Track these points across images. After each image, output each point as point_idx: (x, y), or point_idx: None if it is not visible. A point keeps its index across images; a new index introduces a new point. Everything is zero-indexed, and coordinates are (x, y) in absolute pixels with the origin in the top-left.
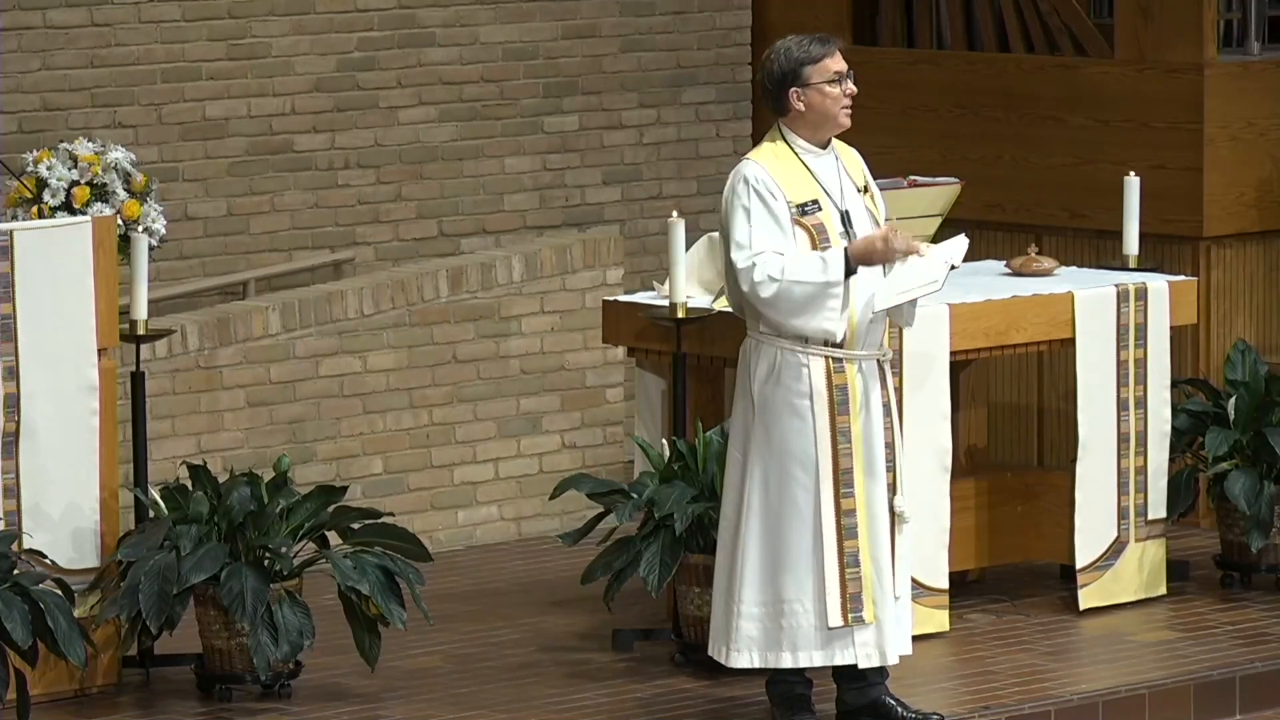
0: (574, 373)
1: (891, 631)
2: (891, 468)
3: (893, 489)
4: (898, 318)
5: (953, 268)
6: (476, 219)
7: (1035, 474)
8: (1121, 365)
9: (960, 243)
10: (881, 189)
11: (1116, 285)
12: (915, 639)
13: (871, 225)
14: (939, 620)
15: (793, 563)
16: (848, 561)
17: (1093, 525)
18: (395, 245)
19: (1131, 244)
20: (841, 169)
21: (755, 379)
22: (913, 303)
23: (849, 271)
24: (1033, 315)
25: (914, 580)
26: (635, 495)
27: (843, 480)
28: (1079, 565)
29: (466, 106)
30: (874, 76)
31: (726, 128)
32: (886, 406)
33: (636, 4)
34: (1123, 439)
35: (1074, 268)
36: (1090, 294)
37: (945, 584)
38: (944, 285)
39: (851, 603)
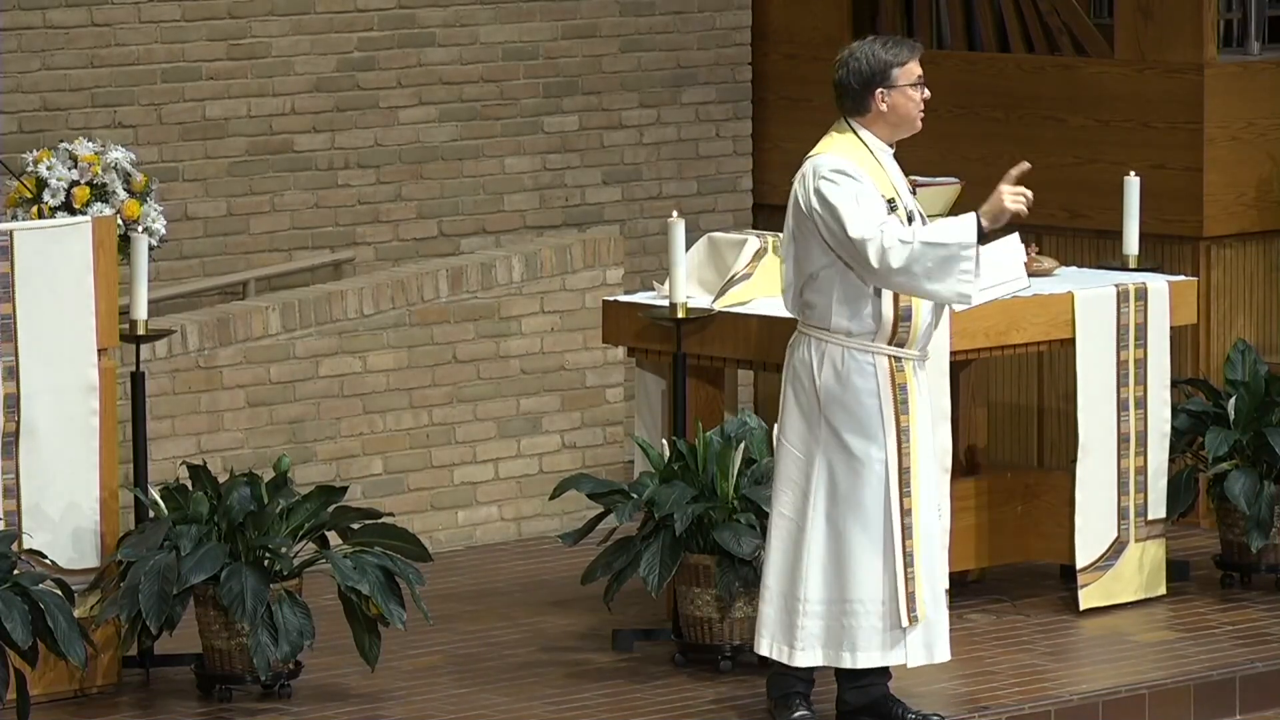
0: (574, 373)
1: (938, 630)
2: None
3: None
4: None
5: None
6: (476, 219)
7: (1035, 474)
8: (1121, 365)
9: (1015, 241)
10: None
11: (1116, 285)
12: None
13: (921, 224)
14: None
15: (858, 562)
16: (907, 561)
17: (1093, 525)
18: (395, 245)
19: (1131, 244)
20: (900, 170)
21: (820, 378)
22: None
23: (981, 234)
24: (1033, 315)
25: None
26: (635, 495)
27: (905, 479)
28: (1079, 565)
29: (466, 106)
30: None
31: (726, 128)
32: (938, 409)
33: (636, 4)
34: (1123, 439)
35: (1074, 268)
36: (1090, 294)
37: (945, 584)
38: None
39: (910, 602)
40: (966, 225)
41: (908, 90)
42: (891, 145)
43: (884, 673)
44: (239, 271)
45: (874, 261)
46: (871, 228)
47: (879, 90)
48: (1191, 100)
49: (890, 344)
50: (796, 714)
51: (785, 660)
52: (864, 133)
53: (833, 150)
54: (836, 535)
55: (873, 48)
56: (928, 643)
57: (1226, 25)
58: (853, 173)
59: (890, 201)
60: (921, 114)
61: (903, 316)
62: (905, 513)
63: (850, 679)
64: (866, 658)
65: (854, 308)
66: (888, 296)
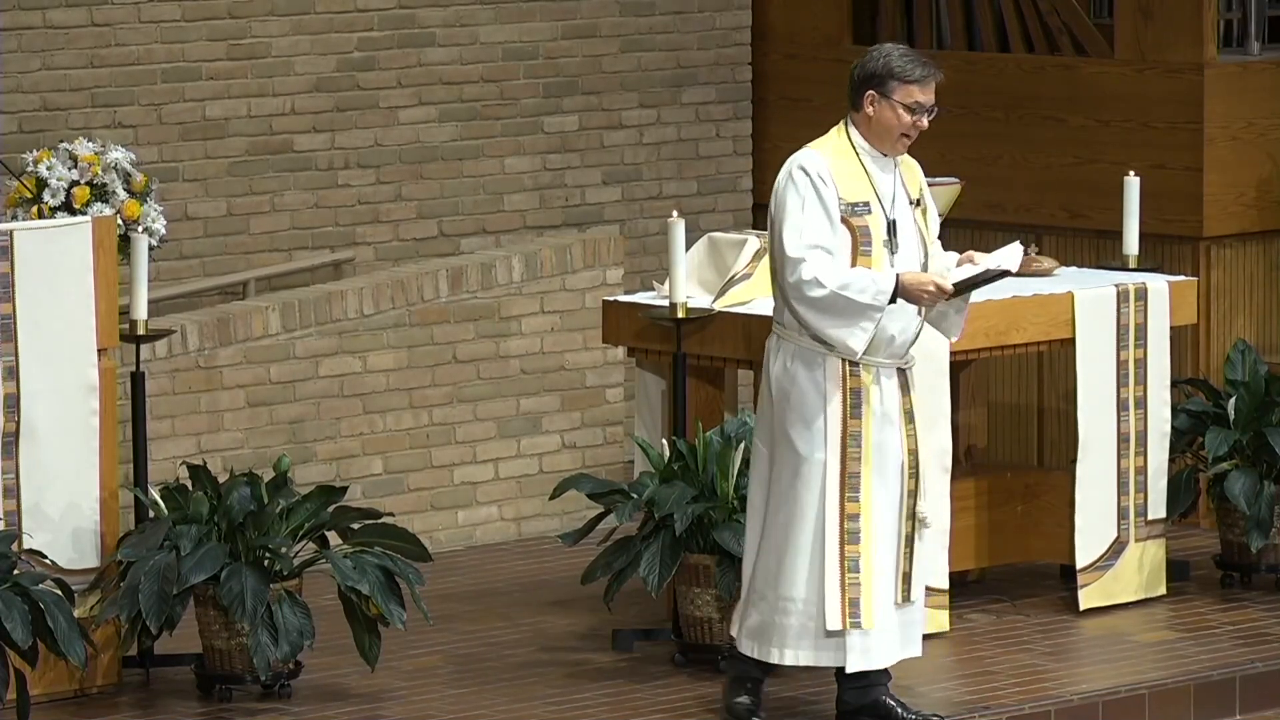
0: (574, 373)
1: (888, 638)
2: (914, 475)
3: (914, 495)
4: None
5: (1005, 272)
6: (476, 219)
7: (1035, 474)
8: (1121, 365)
9: (1015, 250)
10: None
11: (1116, 285)
12: None
13: (917, 240)
14: (939, 620)
15: (794, 561)
16: (849, 566)
17: (1093, 525)
18: (395, 245)
19: (1131, 244)
20: (899, 178)
21: (773, 373)
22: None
23: (892, 300)
24: (1033, 315)
25: None
26: (635, 495)
27: (849, 484)
28: (1079, 565)
29: (466, 106)
30: None
31: (726, 128)
32: (909, 414)
33: (636, 4)
34: (1123, 439)
35: (1074, 268)
36: (1090, 294)
37: (945, 584)
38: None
39: (851, 608)
40: (884, 289)
41: (898, 107)
42: (887, 153)
43: (883, 673)
44: (239, 271)
45: (789, 282)
46: (803, 249)
47: (871, 92)
48: (1191, 100)
49: None
50: (736, 699)
51: (736, 643)
52: (854, 133)
53: (818, 146)
54: (781, 532)
55: (892, 53)
56: (871, 649)
57: (1226, 25)
58: (818, 173)
59: (854, 205)
60: (906, 139)
61: None
62: (850, 517)
63: (849, 679)
64: (793, 655)
65: None
66: None
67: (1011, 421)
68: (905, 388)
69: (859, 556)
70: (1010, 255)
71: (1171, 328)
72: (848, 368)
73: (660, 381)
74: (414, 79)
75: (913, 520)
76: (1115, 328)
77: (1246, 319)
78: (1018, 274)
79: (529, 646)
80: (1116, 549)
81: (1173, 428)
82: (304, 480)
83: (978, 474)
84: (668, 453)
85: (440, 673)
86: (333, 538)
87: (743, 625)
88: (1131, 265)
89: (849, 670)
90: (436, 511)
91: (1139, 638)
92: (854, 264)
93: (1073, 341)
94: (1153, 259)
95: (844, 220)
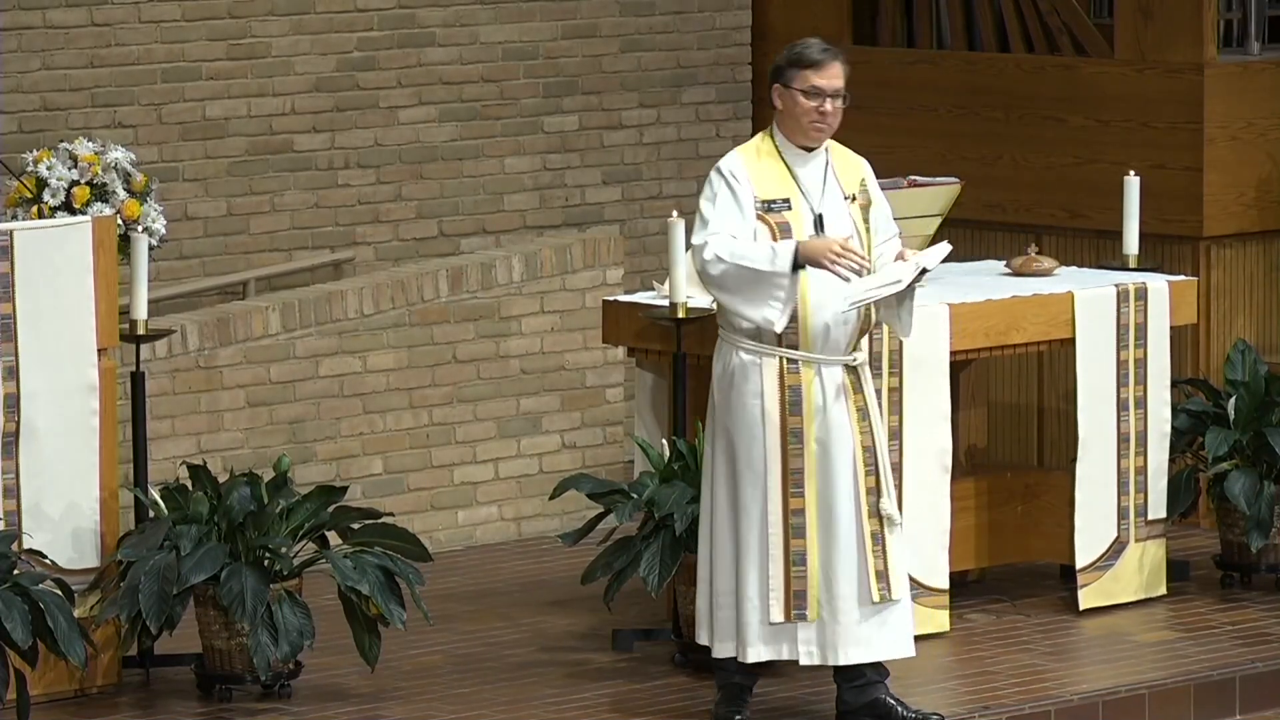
0: (574, 373)
1: (844, 632)
2: (872, 472)
3: (875, 492)
4: (896, 328)
5: (925, 271)
6: (476, 219)
7: (1035, 474)
8: (1121, 365)
9: (941, 249)
10: (882, 189)
11: (1116, 285)
12: (915, 639)
13: (851, 233)
14: (939, 620)
15: (746, 559)
16: (793, 560)
17: (1093, 525)
18: (395, 245)
19: (1131, 244)
20: (831, 173)
21: (715, 376)
22: (910, 312)
23: (797, 266)
24: (1033, 315)
25: (914, 580)
26: (635, 495)
27: (792, 479)
28: (1079, 565)
29: (466, 106)
30: (874, 76)
31: (726, 128)
32: (862, 411)
33: (636, 4)
34: (1123, 439)
35: (1074, 268)
36: (1090, 294)
37: (945, 584)
38: (911, 285)
39: (796, 599)
40: (783, 255)
41: (798, 95)
42: (808, 148)
43: (880, 670)
44: (239, 271)
45: (696, 265)
46: (703, 234)
47: (776, 86)
48: (1191, 100)
49: (781, 346)
50: (728, 707)
51: (712, 652)
52: (776, 131)
53: (741, 148)
54: (731, 531)
55: (794, 45)
56: (825, 642)
57: (1226, 25)
58: (730, 171)
59: (770, 203)
60: (818, 127)
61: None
62: (794, 512)
63: (846, 679)
64: (744, 650)
65: None
66: None
67: (1011, 421)
68: (856, 385)
69: (804, 550)
70: (934, 253)
71: (1171, 328)
72: (785, 365)
73: (660, 381)
74: (414, 79)
75: (878, 518)
76: (1115, 327)
77: (1246, 319)
78: (1017, 274)
79: (529, 646)
80: (1116, 549)
81: (1173, 428)
82: (304, 480)
83: (978, 474)
84: (668, 453)
85: (440, 673)
86: (333, 538)
87: (713, 629)
88: (1131, 265)
89: (802, 664)
90: (436, 511)
91: (1139, 638)
92: None
93: (1073, 341)
94: (1153, 259)
95: (760, 217)
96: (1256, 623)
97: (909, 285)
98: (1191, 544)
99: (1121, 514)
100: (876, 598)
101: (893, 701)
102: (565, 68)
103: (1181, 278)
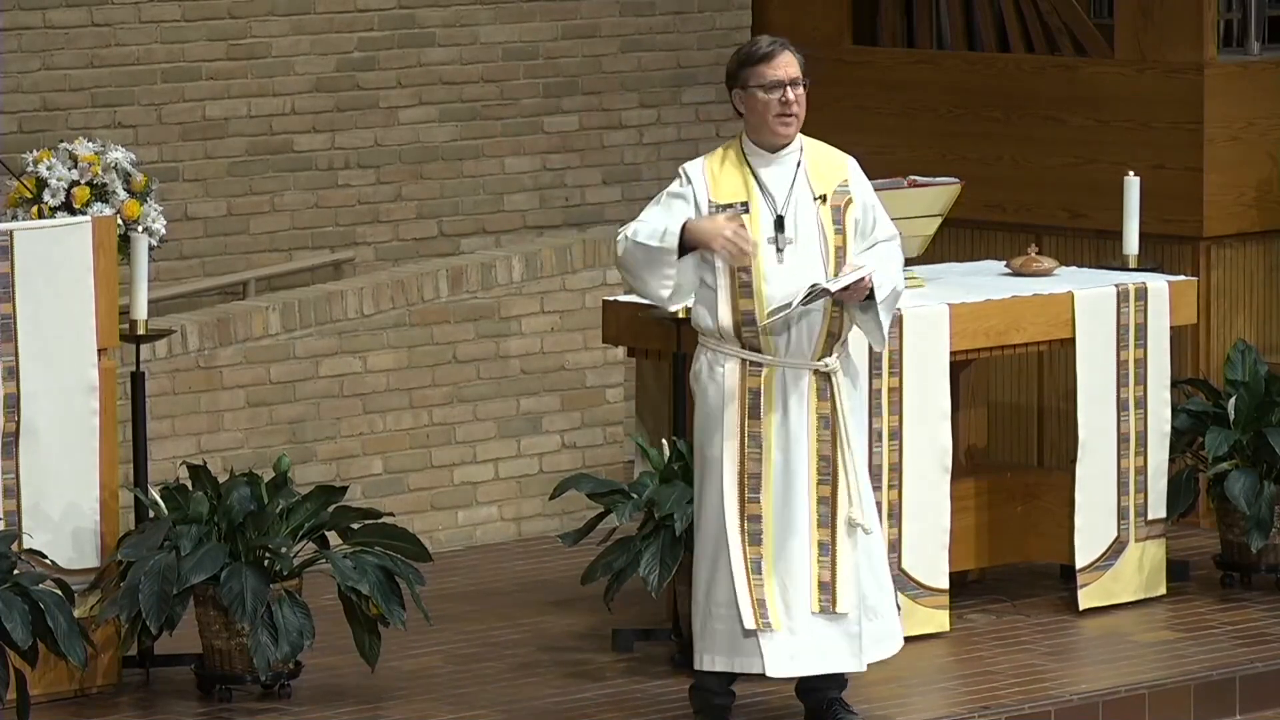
0: (574, 373)
1: (810, 643)
2: (827, 482)
3: (829, 502)
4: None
5: (825, 291)
6: (476, 219)
7: (1035, 474)
8: (1121, 365)
9: (852, 275)
10: (881, 189)
11: (1116, 285)
12: (915, 639)
13: (818, 234)
14: (939, 620)
15: (717, 565)
16: (752, 567)
17: (1093, 525)
18: (395, 245)
19: (1131, 244)
20: (803, 175)
21: (689, 378)
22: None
23: (685, 246)
24: (1033, 315)
25: (914, 580)
26: (635, 495)
27: (750, 484)
28: (1079, 565)
29: (466, 106)
30: (874, 76)
31: (726, 128)
32: (826, 419)
33: (636, 4)
34: (1123, 439)
35: (1074, 268)
36: (1090, 294)
37: (945, 584)
38: (806, 303)
39: (760, 608)
40: (671, 235)
41: (756, 92)
42: (775, 149)
43: (837, 681)
44: (239, 271)
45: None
46: (630, 225)
47: (735, 90)
48: (1191, 100)
49: (743, 348)
50: None
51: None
52: (745, 137)
53: (711, 152)
54: (704, 537)
55: (739, 47)
56: (791, 653)
57: (1226, 25)
58: (686, 172)
59: (729, 206)
60: (783, 121)
61: (744, 321)
62: (751, 518)
63: (800, 689)
64: (712, 660)
65: (707, 309)
66: (725, 300)
67: (1011, 421)
68: (825, 393)
69: (760, 558)
70: (844, 279)
71: (1171, 328)
72: (747, 367)
73: (660, 381)
74: (414, 79)
75: (830, 528)
76: (1115, 328)
77: (1246, 319)
78: (1017, 274)
79: (529, 646)
80: (1116, 549)
81: (1173, 428)
82: (304, 480)
83: (978, 474)
84: (668, 453)
85: (440, 673)
86: (333, 538)
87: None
88: (1131, 265)
89: (769, 675)
90: (436, 511)
91: (1139, 638)
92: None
93: (1073, 341)
94: (1153, 259)
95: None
96: (1256, 623)
97: (798, 306)
98: (1191, 544)
99: (1121, 514)
100: (816, 608)
101: (844, 713)
102: (565, 68)
103: (1181, 278)
